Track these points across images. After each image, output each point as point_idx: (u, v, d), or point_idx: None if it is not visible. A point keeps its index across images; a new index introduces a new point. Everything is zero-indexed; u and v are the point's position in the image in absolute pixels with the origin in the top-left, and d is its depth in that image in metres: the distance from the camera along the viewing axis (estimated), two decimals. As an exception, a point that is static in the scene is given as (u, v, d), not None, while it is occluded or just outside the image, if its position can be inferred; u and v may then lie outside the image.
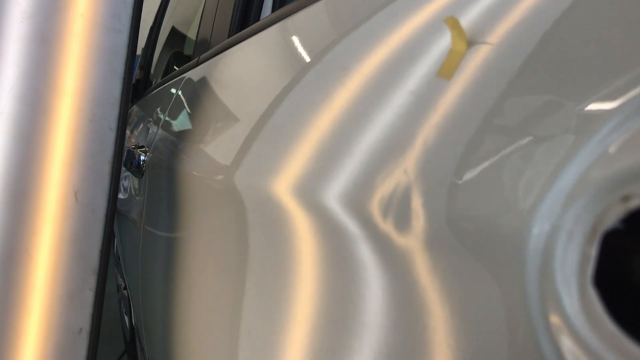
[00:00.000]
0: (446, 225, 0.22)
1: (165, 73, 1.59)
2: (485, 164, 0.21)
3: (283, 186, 0.35)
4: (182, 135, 0.71)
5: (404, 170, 0.25)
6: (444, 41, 0.27)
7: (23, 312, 0.48)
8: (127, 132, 1.35)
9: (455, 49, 0.25)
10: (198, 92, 0.74)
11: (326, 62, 0.39)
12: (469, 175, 0.21)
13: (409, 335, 0.23)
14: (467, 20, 0.26)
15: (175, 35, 1.80)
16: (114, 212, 0.53)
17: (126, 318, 1.51)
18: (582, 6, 0.21)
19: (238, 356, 0.41)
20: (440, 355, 0.22)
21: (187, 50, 1.55)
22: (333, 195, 0.30)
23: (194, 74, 0.82)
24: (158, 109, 1.03)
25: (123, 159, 0.83)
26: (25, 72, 0.47)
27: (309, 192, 0.32)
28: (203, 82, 0.74)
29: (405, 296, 0.24)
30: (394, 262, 0.25)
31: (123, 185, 1.21)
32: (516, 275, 0.18)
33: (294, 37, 0.50)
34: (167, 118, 0.88)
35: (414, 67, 0.28)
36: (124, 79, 0.52)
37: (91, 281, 0.51)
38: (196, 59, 0.87)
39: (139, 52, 2.05)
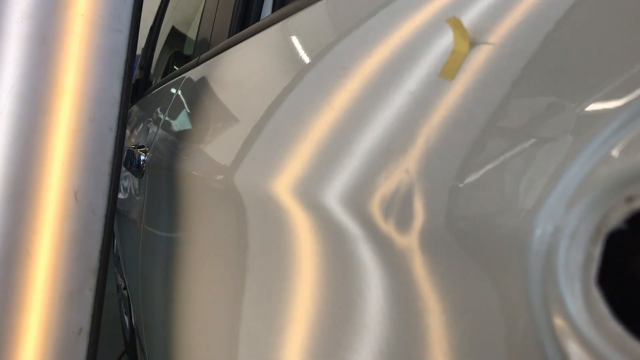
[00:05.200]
0: (448, 226, 0.22)
1: (165, 73, 1.59)
2: (488, 165, 0.21)
3: (283, 186, 0.35)
4: (182, 135, 0.71)
5: (406, 171, 0.25)
6: (446, 41, 0.26)
7: (23, 312, 0.48)
8: (127, 132, 1.35)
9: (457, 50, 0.25)
10: (198, 92, 0.74)
11: (326, 62, 0.39)
12: (471, 176, 0.21)
13: (410, 335, 0.23)
14: (469, 20, 0.26)
15: (175, 35, 1.80)
16: (114, 212, 0.53)
17: (126, 318, 1.51)
18: (584, 7, 0.21)
19: (238, 356, 0.41)
20: (442, 356, 0.22)
21: (187, 50, 1.55)
22: (333, 196, 0.29)
23: (194, 74, 0.82)
24: (158, 109, 1.03)
25: (123, 159, 0.83)
26: (25, 72, 0.47)
27: (309, 192, 0.32)
28: (203, 82, 0.74)
29: (406, 297, 0.24)
30: (395, 262, 0.25)
31: (123, 185, 1.21)
32: (519, 276, 0.18)
33: (294, 37, 0.50)
34: (167, 118, 0.88)
35: (416, 68, 0.28)
36: (124, 79, 0.52)
37: (91, 281, 0.51)
38: (196, 59, 0.87)
39: (139, 52, 2.05)
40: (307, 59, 0.43)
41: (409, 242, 0.24)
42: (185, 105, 0.79)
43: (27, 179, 0.47)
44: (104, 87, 0.50)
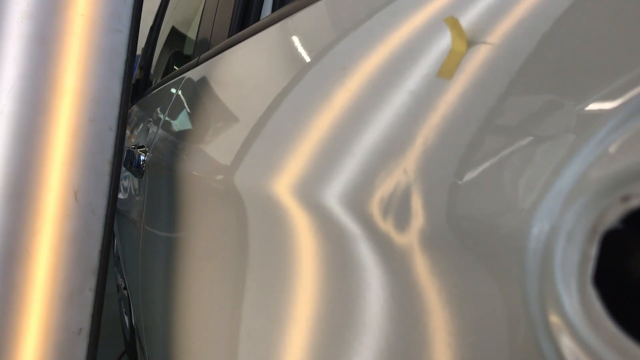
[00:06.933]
0: (446, 225, 0.22)
1: (165, 73, 1.59)
2: (486, 164, 0.21)
3: (283, 186, 0.35)
4: (182, 135, 0.71)
5: (404, 170, 0.25)
6: (444, 41, 0.27)
7: (23, 312, 0.48)
8: (127, 132, 1.35)
9: (455, 49, 0.25)
10: (198, 92, 0.74)
11: (326, 62, 0.39)
12: (469, 175, 0.21)
13: (409, 335, 0.23)
14: (467, 20, 0.26)
15: (175, 35, 1.80)
16: (114, 212, 0.53)
17: (126, 318, 1.51)
18: (582, 6, 0.21)
19: (238, 356, 0.41)
20: (441, 355, 0.22)
21: (187, 50, 1.55)
22: (333, 195, 0.30)
23: (194, 74, 0.82)
24: (158, 109, 1.03)
25: (123, 159, 0.83)
26: (25, 72, 0.47)
27: (309, 192, 0.32)
28: (203, 82, 0.74)
29: (405, 296, 0.24)
30: (394, 261, 0.25)
31: (123, 185, 1.21)
32: (516, 275, 0.18)
33: (294, 37, 0.50)
34: (167, 118, 0.88)
35: (414, 67, 0.28)
36: (124, 79, 0.52)
37: (91, 281, 0.51)
38: (196, 59, 0.87)
39: (139, 52, 2.05)
40: (307, 59, 0.43)
41: (408, 241, 0.24)
42: (185, 105, 0.79)
43: (27, 179, 0.48)
44: (104, 87, 0.51)
